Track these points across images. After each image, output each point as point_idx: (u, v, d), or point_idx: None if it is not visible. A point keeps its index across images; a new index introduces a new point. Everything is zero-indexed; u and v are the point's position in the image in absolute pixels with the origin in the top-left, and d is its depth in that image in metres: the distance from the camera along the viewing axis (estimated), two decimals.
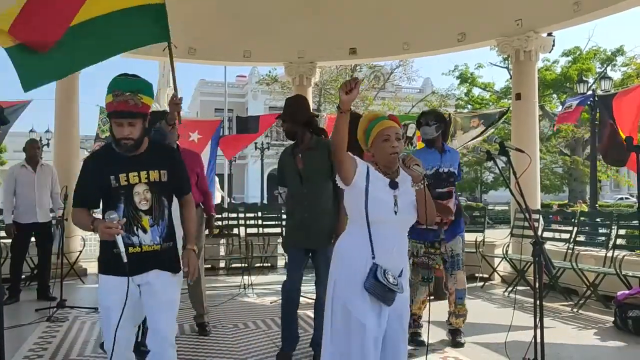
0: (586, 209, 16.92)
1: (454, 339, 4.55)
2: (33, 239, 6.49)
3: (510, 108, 8.62)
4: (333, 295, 2.66)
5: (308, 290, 6.75)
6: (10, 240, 6.41)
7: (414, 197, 2.69)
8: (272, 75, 26.79)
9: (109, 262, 2.59)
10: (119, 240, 2.46)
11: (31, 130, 24.90)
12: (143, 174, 2.59)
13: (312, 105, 11.02)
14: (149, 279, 2.62)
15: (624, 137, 6.44)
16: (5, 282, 6.62)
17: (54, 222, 6.51)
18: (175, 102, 3.98)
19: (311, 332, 4.91)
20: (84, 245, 8.24)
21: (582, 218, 7.32)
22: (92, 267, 8.32)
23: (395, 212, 2.63)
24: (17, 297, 6.24)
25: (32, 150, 6.43)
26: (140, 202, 2.57)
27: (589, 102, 12.82)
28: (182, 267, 2.72)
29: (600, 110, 7.29)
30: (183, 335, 4.76)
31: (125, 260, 2.46)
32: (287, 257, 4.35)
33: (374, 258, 2.57)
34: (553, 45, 8.20)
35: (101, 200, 2.65)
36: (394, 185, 2.68)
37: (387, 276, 2.55)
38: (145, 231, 2.59)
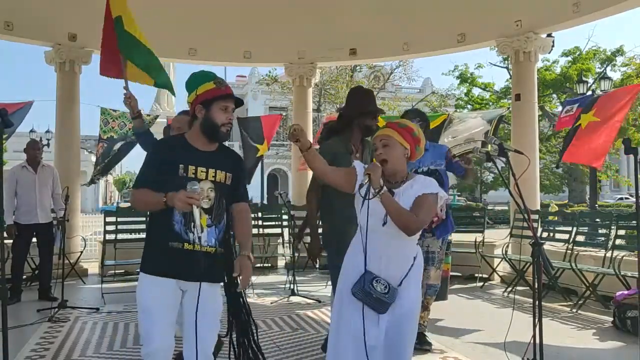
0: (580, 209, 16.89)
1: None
2: (34, 239, 6.51)
3: (510, 109, 8.63)
4: (334, 302, 2.77)
5: (308, 290, 6.79)
6: (10, 241, 6.41)
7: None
8: (272, 75, 26.80)
9: (159, 260, 2.53)
10: (195, 213, 2.39)
11: (32, 131, 24.92)
12: (211, 171, 2.56)
13: (312, 106, 11.04)
14: (196, 290, 2.49)
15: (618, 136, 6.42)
16: (6, 283, 6.64)
17: (54, 222, 6.53)
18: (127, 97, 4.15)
19: (311, 332, 4.94)
20: (85, 246, 8.27)
21: (581, 218, 7.34)
22: (92, 267, 8.36)
23: (384, 224, 2.61)
24: (18, 297, 6.26)
25: (33, 151, 6.44)
26: (202, 199, 2.50)
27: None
28: (234, 273, 2.59)
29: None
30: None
31: (198, 221, 2.41)
32: (329, 263, 4.03)
33: (366, 266, 2.60)
34: (552, 46, 8.23)
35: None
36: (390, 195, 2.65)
37: (374, 284, 2.56)
38: (202, 230, 2.51)
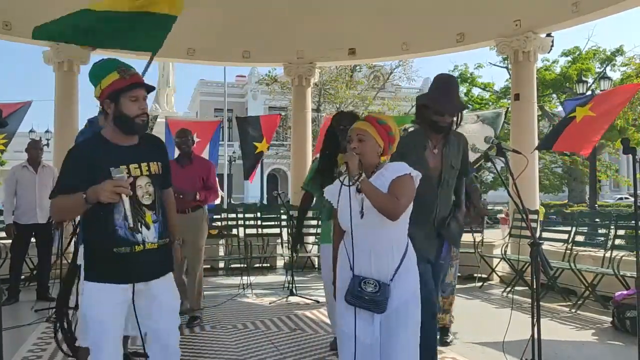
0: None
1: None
2: (33, 239, 6.50)
3: (509, 109, 8.62)
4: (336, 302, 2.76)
5: (307, 291, 6.77)
6: (9, 241, 6.44)
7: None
8: (271, 75, 26.79)
9: (106, 267, 2.38)
10: (126, 203, 2.26)
11: (31, 131, 24.94)
12: (144, 165, 2.43)
13: (311, 106, 11.03)
14: (148, 287, 2.45)
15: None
16: (4, 283, 6.64)
17: (53, 222, 6.52)
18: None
19: (309, 332, 4.93)
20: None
21: (580, 218, 7.33)
22: None
23: (362, 215, 2.60)
24: (16, 297, 6.26)
25: (34, 151, 6.44)
26: (143, 197, 2.40)
27: None
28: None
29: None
30: (181, 337, 4.76)
31: (129, 212, 2.29)
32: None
33: (352, 269, 2.60)
34: (552, 46, 8.22)
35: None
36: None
37: (363, 287, 2.55)
38: (148, 227, 2.41)
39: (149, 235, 2.42)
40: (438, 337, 4.35)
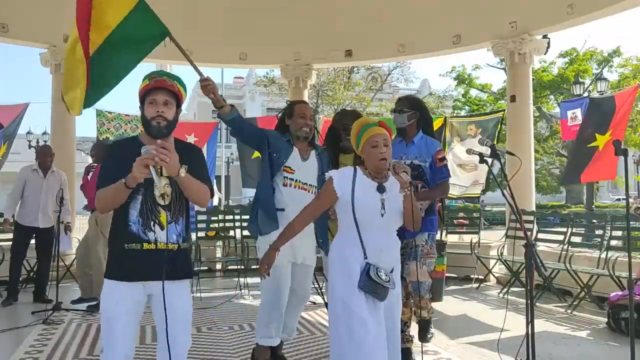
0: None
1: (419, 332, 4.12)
2: (33, 241, 6.55)
3: (505, 111, 8.64)
4: (333, 298, 2.77)
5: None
6: (9, 243, 6.53)
7: (402, 202, 2.78)
8: (269, 76, 26.78)
9: (119, 265, 2.46)
10: (153, 172, 2.29)
11: (28, 132, 24.87)
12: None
13: None
14: (162, 290, 2.43)
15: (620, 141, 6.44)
16: (3, 284, 6.68)
17: (62, 225, 6.53)
18: (204, 85, 3.51)
19: (306, 334, 4.93)
20: None
21: (577, 219, 7.35)
22: None
23: (382, 215, 2.74)
24: (15, 297, 6.31)
25: (44, 157, 6.49)
26: (160, 196, 2.46)
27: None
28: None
29: (588, 113, 7.30)
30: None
31: (160, 184, 2.35)
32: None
33: (366, 258, 2.70)
34: (548, 48, 8.23)
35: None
36: (381, 189, 2.78)
37: (379, 274, 2.66)
38: (162, 227, 2.45)
39: (162, 236, 2.45)
40: (416, 332, 4.18)
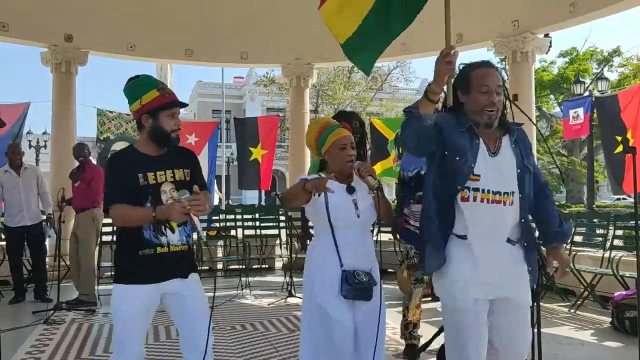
0: None
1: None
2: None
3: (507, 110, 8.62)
4: (311, 295, 2.81)
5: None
6: (4, 243, 6.56)
7: (372, 198, 2.76)
8: (269, 76, 26.78)
9: (133, 270, 2.52)
10: (195, 220, 2.41)
11: (29, 132, 24.83)
12: (169, 172, 2.58)
13: (309, 107, 11.01)
14: (176, 288, 2.56)
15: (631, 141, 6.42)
16: (3, 284, 6.68)
17: (45, 219, 6.56)
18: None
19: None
20: None
21: (579, 219, 7.33)
22: None
23: (358, 216, 2.72)
24: (23, 296, 6.37)
25: (13, 155, 6.45)
26: (167, 201, 2.52)
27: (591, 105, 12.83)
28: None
29: (599, 114, 7.27)
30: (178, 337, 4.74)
31: (204, 238, 2.44)
32: None
33: (342, 266, 2.66)
34: (550, 46, 8.21)
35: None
36: (351, 190, 2.77)
37: (358, 277, 2.64)
38: (173, 231, 2.55)
39: (174, 238, 2.56)
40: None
